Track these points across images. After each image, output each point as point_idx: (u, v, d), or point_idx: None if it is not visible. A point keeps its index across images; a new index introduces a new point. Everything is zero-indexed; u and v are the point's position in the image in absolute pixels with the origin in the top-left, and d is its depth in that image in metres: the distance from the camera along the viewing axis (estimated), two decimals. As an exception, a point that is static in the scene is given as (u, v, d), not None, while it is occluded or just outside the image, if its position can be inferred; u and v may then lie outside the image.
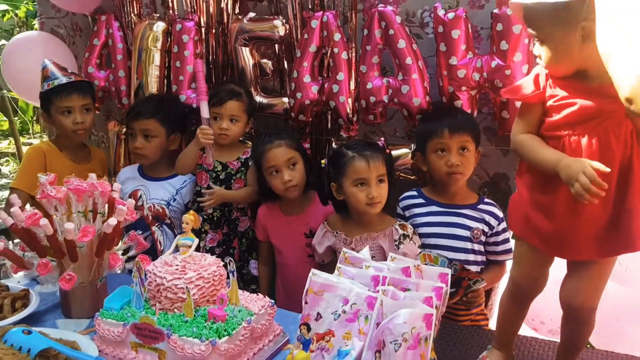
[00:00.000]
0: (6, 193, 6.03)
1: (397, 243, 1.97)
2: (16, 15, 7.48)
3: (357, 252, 1.57)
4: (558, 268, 1.58)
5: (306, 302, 1.39)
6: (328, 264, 2.09)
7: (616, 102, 1.27)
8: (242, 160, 2.36)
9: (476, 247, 2.02)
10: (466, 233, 2.02)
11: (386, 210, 2.04)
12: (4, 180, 6.49)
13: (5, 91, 4.53)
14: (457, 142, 1.98)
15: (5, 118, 6.18)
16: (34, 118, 7.93)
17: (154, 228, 2.38)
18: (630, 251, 1.47)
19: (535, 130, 1.53)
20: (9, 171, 7.04)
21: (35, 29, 6.99)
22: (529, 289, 1.60)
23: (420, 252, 1.89)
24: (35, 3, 7.10)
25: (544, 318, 1.99)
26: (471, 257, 2.02)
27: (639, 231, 1.43)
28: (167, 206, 2.41)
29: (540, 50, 1.46)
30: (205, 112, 2.22)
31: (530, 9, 1.43)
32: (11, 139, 7.77)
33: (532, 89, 1.51)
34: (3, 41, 6.71)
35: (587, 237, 1.46)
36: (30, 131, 8.12)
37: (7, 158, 7.51)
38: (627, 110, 1.24)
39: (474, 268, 2.01)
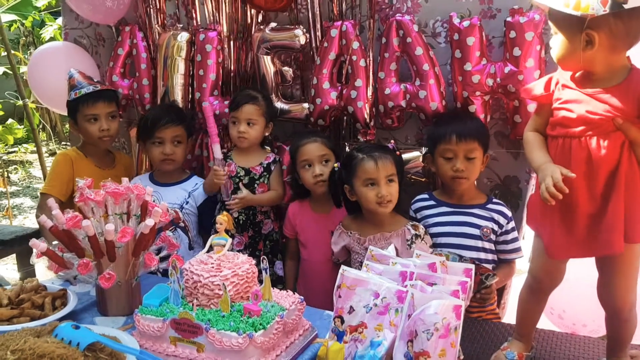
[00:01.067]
0: (18, 200, 6.11)
1: (409, 243, 2.05)
2: (22, 25, 7.57)
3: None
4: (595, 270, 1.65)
5: (339, 297, 1.47)
6: (342, 263, 2.16)
7: (610, 113, 1.44)
8: (265, 165, 2.44)
9: (486, 245, 2.09)
10: (476, 231, 2.09)
11: (398, 211, 2.12)
12: (14, 188, 6.55)
13: (27, 100, 4.62)
14: (464, 149, 2.05)
15: (19, 126, 6.26)
16: (40, 126, 8.01)
17: (167, 232, 2.44)
18: (608, 252, 1.55)
19: (543, 128, 1.65)
20: (18, 179, 7.10)
21: (43, 39, 7.11)
22: (546, 283, 1.68)
23: (432, 252, 1.96)
24: (41, 13, 7.20)
25: (585, 321, 2.03)
26: (482, 255, 2.09)
27: (618, 234, 1.51)
28: (181, 209, 2.48)
29: (553, 42, 1.59)
30: (217, 154, 2.36)
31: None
32: (19, 147, 7.84)
33: (542, 91, 1.63)
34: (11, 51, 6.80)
35: (571, 237, 1.55)
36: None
37: (16, 166, 7.57)
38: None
39: (486, 266, 2.07)
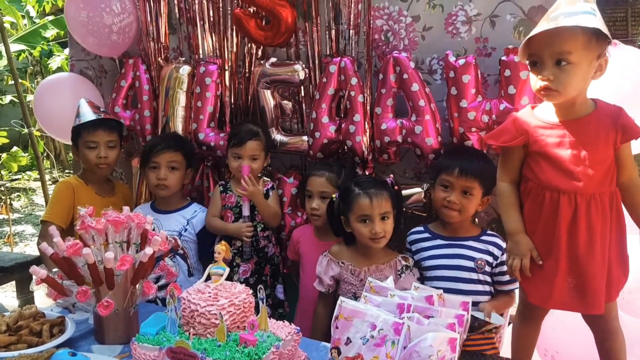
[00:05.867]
0: (20, 228, 6.13)
1: (399, 273, 2.08)
2: (31, 54, 7.73)
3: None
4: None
5: (337, 327, 1.48)
6: (331, 294, 2.17)
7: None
8: (263, 193, 2.48)
9: (481, 277, 2.10)
10: (470, 264, 2.10)
11: (393, 243, 2.15)
12: (16, 215, 6.58)
13: (32, 128, 4.70)
14: (462, 185, 2.07)
15: (23, 154, 6.35)
16: (44, 154, 8.09)
17: (166, 259, 2.46)
18: (589, 313, 1.65)
19: (515, 173, 1.68)
20: (21, 206, 7.14)
21: (50, 68, 7.24)
22: (539, 309, 1.70)
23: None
24: (50, 44, 7.35)
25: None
26: (479, 287, 2.10)
27: (601, 296, 1.59)
28: (179, 236, 2.50)
29: (564, 75, 1.54)
30: (246, 211, 2.44)
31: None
32: (23, 174, 7.90)
33: (513, 136, 1.65)
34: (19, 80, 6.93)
35: (552, 288, 1.62)
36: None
37: (19, 193, 7.61)
38: None
39: (482, 298, 2.09)
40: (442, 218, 2.16)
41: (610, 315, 1.63)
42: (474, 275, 2.09)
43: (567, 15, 1.48)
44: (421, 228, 2.25)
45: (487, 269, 2.11)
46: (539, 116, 1.63)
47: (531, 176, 1.62)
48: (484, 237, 2.15)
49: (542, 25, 1.51)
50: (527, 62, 1.57)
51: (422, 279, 2.15)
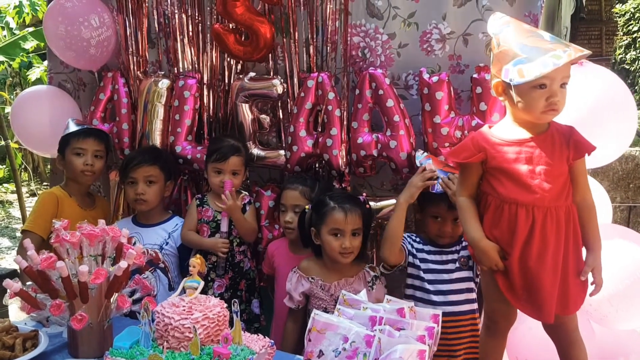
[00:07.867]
0: (-4, 241, 6.04)
1: (370, 284, 2.13)
2: (10, 66, 7.65)
3: (337, 296, 1.72)
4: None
5: (309, 340, 1.50)
6: (301, 309, 2.20)
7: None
8: (241, 207, 2.49)
9: (465, 273, 2.18)
10: (455, 265, 2.18)
11: (361, 258, 2.20)
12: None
13: (9, 140, 4.65)
14: (453, 215, 2.12)
15: (0, 166, 6.27)
16: (22, 166, 7.99)
17: (147, 273, 2.45)
18: (538, 320, 1.73)
19: (474, 189, 1.77)
20: (-4, 218, 7.04)
21: (29, 80, 7.18)
22: (502, 323, 1.76)
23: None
24: (29, 55, 7.30)
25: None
26: (464, 285, 2.16)
27: (551, 307, 1.65)
28: (160, 250, 2.50)
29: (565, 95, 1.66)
30: (225, 227, 2.45)
31: None
32: (0, 187, 7.79)
33: (472, 153, 1.74)
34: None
35: (511, 287, 1.69)
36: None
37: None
38: None
39: (471, 295, 2.16)
40: (437, 241, 2.22)
41: (570, 327, 1.69)
42: (463, 274, 2.17)
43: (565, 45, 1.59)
44: (416, 237, 2.30)
45: (470, 263, 2.19)
46: (497, 134, 1.73)
47: (490, 191, 1.70)
48: (463, 237, 2.21)
49: (550, 57, 1.56)
50: (532, 84, 1.61)
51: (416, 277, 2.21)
